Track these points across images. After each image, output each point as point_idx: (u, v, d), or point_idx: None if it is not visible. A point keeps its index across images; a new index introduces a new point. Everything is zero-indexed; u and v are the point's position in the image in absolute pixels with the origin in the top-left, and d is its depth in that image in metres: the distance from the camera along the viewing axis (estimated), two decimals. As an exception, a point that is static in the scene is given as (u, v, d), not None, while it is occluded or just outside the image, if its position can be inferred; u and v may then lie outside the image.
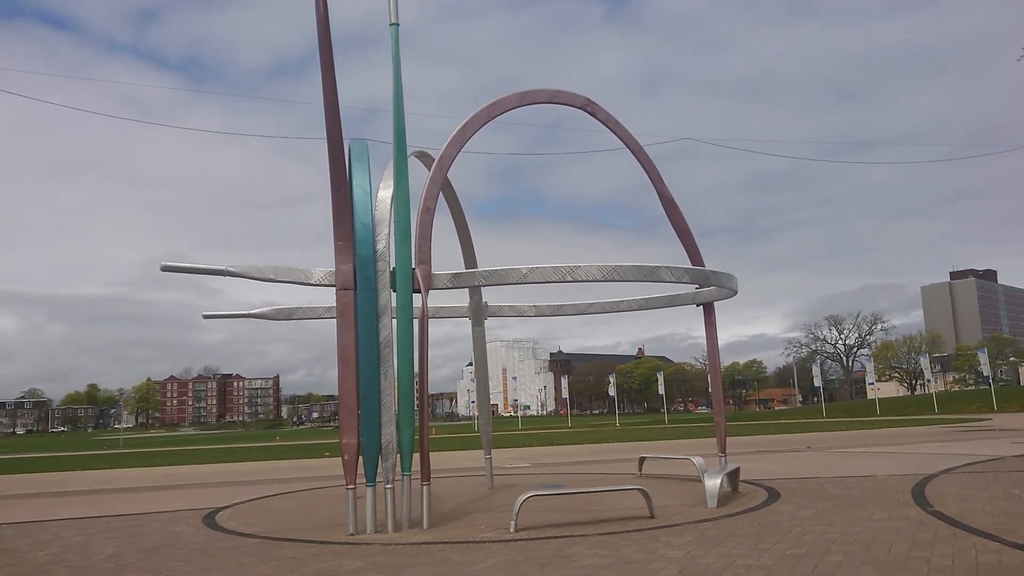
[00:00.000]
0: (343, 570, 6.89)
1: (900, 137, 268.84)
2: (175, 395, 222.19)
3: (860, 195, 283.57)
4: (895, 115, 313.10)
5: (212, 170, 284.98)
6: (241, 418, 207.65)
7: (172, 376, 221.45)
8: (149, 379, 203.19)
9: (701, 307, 11.92)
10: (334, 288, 9.15)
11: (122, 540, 9.21)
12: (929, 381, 68.65)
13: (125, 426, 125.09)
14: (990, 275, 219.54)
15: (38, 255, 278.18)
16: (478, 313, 13.62)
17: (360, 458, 8.93)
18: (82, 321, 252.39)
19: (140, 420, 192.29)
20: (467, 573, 6.55)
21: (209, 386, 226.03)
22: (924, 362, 67.10)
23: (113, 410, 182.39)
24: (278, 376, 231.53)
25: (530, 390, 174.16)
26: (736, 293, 11.64)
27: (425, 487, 9.08)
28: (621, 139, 11.09)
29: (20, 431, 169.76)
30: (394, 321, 9.25)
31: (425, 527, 8.97)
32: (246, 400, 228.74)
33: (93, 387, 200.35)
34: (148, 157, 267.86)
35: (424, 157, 11.50)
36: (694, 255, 11.43)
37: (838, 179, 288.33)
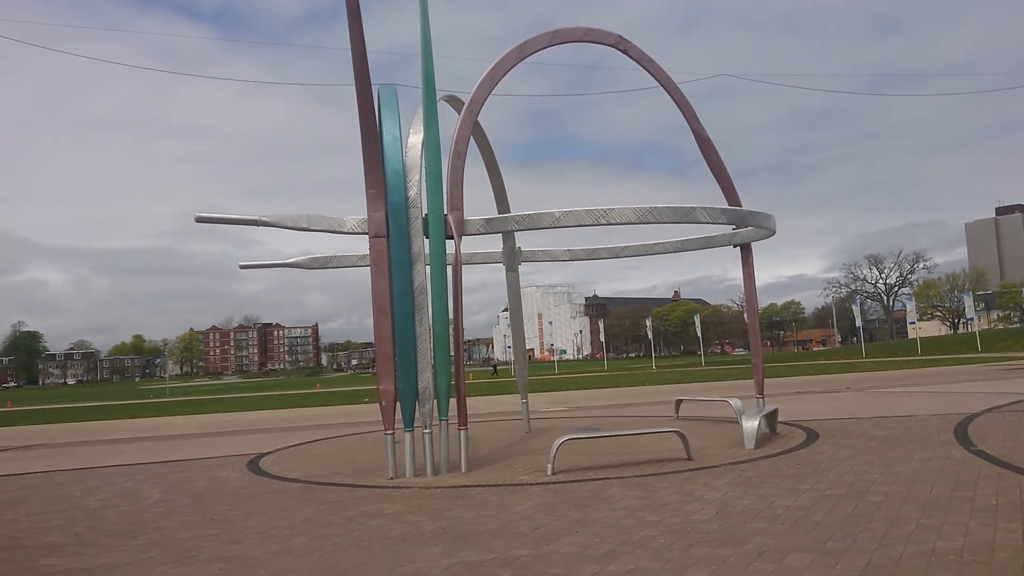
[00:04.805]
0: (384, 513, 7.01)
1: (945, 68, 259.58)
2: (218, 344, 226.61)
3: (902, 130, 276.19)
4: (940, 46, 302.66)
5: (250, 120, 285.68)
6: (282, 366, 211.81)
7: (214, 326, 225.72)
8: (192, 329, 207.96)
9: (738, 248, 11.73)
10: (367, 236, 9.14)
11: (170, 485, 9.49)
12: (972, 319, 67.07)
13: (171, 375, 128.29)
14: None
15: (80, 209, 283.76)
16: (512, 258, 13.57)
17: (398, 404, 9.03)
18: (126, 274, 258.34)
19: (185, 369, 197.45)
20: (506, 515, 6.62)
21: (250, 335, 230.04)
22: (967, 300, 65.62)
23: (159, 360, 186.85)
24: (317, 324, 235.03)
25: (566, 334, 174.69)
26: (774, 233, 11.43)
27: (462, 431, 9.18)
28: (655, 77, 10.82)
29: (71, 381, 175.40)
30: (428, 268, 9.25)
31: (463, 471, 9.09)
32: (286, 348, 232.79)
33: (139, 338, 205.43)
34: (186, 109, 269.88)
35: (454, 101, 11.35)
36: (731, 195, 11.20)
37: (880, 114, 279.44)
